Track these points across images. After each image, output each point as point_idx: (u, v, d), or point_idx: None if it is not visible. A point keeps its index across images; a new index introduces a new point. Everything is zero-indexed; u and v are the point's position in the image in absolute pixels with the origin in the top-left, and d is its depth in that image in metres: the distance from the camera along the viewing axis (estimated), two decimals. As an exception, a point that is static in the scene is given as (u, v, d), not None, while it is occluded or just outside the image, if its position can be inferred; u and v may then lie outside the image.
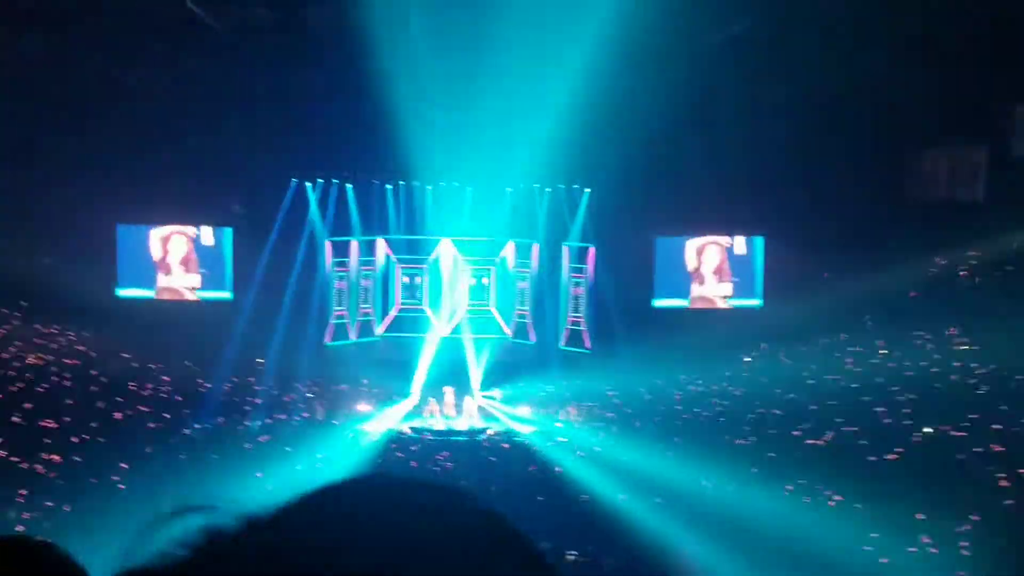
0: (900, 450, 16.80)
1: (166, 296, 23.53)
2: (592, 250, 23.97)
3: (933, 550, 13.27)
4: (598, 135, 21.26)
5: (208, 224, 23.45)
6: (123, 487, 15.85)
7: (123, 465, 16.27)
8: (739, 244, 24.06)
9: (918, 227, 21.04)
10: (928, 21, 17.46)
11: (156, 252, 23.45)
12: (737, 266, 24.10)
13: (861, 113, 20.37)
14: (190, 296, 23.60)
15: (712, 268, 24.16)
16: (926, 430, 17.44)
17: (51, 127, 19.62)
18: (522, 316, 24.82)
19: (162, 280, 23.49)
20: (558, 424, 21.52)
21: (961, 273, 21.54)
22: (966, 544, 13.39)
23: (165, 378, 20.66)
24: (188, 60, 18.18)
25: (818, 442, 17.89)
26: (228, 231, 23.51)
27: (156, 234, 23.43)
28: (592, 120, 20.59)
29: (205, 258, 23.60)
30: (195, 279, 23.58)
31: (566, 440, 20.10)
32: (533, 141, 21.48)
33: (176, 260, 23.55)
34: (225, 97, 19.51)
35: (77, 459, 16.20)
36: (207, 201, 22.90)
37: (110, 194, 21.37)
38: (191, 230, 23.52)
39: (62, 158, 20.00)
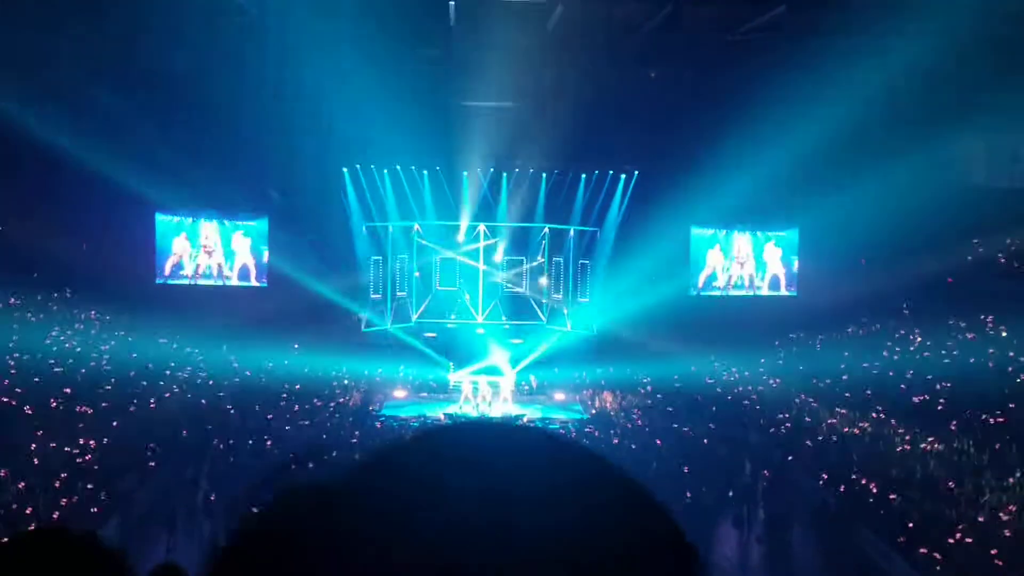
0: (931, 439, 16.66)
1: (203, 283, 23.78)
2: (628, 237, 23.92)
3: (968, 540, 13.14)
4: (640, 124, 21.27)
5: (245, 213, 23.68)
6: (158, 472, 16.01)
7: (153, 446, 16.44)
8: (775, 232, 24.04)
9: (956, 213, 20.78)
10: (966, 7, 17.24)
11: (194, 240, 23.72)
12: (772, 255, 24.06)
13: (900, 99, 20.18)
14: (227, 283, 23.85)
15: (745, 259, 24.14)
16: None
17: (94, 118, 19.76)
18: (558, 303, 24.83)
19: (200, 267, 23.76)
20: (592, 411, 21.46)
21: (1000, 259, 21.33)
22: (1005, 533, 13.25)
23: (202, 362, 20.86)
24: (229, 52, 18.23)
25: (854, 430, 17.76)
26: (264, 220, 23.73)
27: (194, 223, 23.73)
28: (634, 110, 20.60)
29: (241, 246, 23.84)
30: (231, 266, 23.82)
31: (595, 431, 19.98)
32: (572, 128, 21.48)
33: (213, 248, 23.78)
34: (264, 87, 19.59)
35: (111, 443, 16.32)
36: (245, 190, 23.05)
37: (150, 183, 21.54)
38: (228, 219, 23.77)
39: (104, 148, 20.12)
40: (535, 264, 24.88)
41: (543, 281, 24.92)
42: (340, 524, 0.74)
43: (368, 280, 24.25)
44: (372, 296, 24.31)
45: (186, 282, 23.74)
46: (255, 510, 0.80)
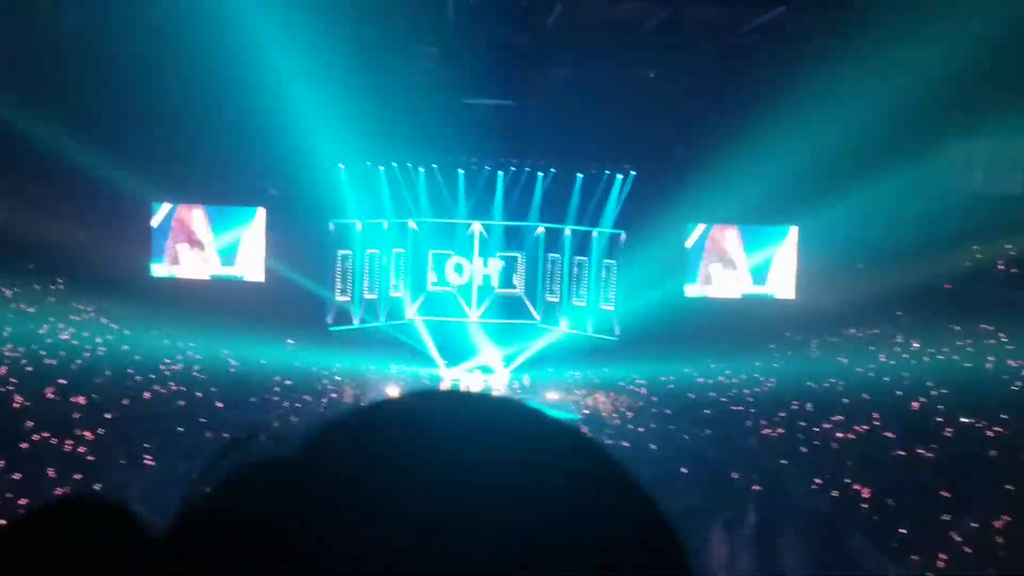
0: (933, 446, 16.67)
1: (197, 276, 23.69)
2: (623, 236, 23.89)
3: (966, 548, 13.15)
4: (634, 120, 21.22)
5: (242, 204, 23.59)
6: (152, 464, 15.95)
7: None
8: (773, 233, 23.99)
9: (954, 219, 20.79)
10: (969, 13, 17.20)
11: (189, 231, 23.62)
12: (768, 256, 24.00)
13: (900, 103, 20.13)
14: (221, 276, 23.77)
15: (742, 258, 24.09)
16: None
17: (89, 104, 19.67)
18: (551, 302, 24.81)
19: (195, 259, 23.67)
20: (584, 411, 21.41)
21: (998, 266, 21.33)
22: (999, 542, 13.26)
23: (196, 356, 20.81)
24: (226, 39, 18.12)
25: (849, 435, 17.76)
26: (261, 211, 23.63)
27: (189, 212, 23.62)
28: (630, 105, 20.55)
29: (237, 238, 23.75)
30: (227, 259, 23.75)
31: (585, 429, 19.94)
32: (570, 126, 21.44)
33: (208, 240, 23.69)
34: (261, 78, 19.49)
35: (108, 435, 16.32)
36: (242, 180, 22.97)
37: (146, 172, 21.46)
38: (223, 209, 23.68)
39: (98, 135, 20.05)
40: (532, 261, 24.87)
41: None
42: (292, 507, 0.69)
43: (363, 276, 24.19)
44: (367, 295, 24.27)
45: (181, 275, 23.65)
46: (198, 492, 0.77)
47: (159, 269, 23.50)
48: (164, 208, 23.50)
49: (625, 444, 18.00)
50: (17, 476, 14.14)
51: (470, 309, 24.62)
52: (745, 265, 24.02)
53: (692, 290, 24.13)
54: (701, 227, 24.00)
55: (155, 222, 23.49)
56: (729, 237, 24.13)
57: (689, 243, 24.10)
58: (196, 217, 23.74)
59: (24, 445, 15.18)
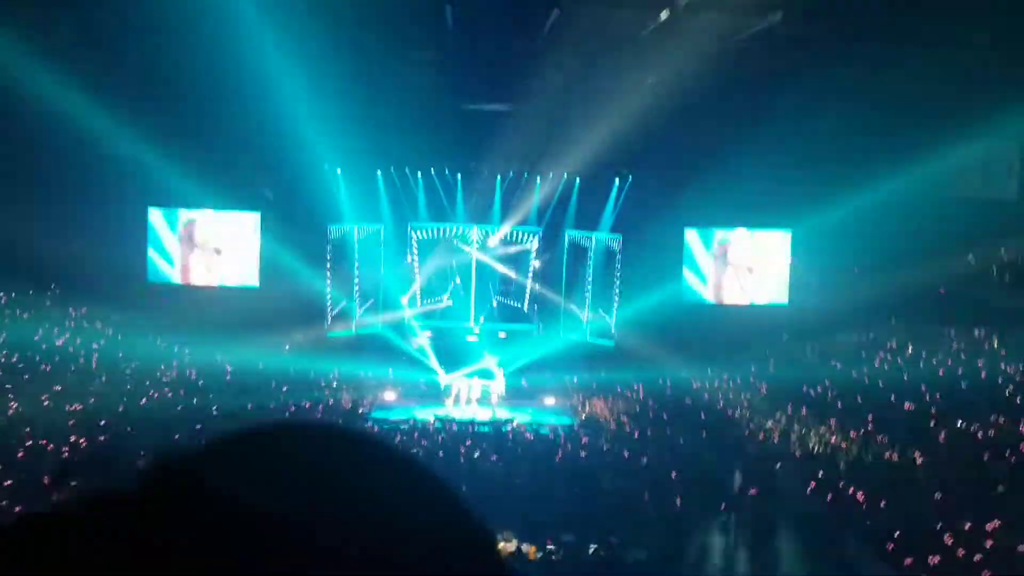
0: (920, 449, 16.69)
1: (193, 282, 23.72)
2: (621, 241, 23.93)
3: (960, 552, 13.14)
4: (632, 125, 21.28)
5: (238, 209, 23.62)
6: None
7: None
8: (767, 238, 24.01)
9: (948, 224, 20.80)
10: (962, 20, 17.25)
11: (184, 237, 23.66)
12: (764, 261, 24.04)
13: (895, 108, 20.20)
14: (217, 282, 23.78)
15: (739, 262, 24.11)
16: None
17: (86, 112, 19.70)
18: (549, 307, 24.83)
19: (190, 265, 23.72)
20: (582, 416, 21.42)
21: (992, 271, 21.36)
22: (990, 544, 13.25)
23: (192, 361, 20.82)
24: (226, 43, 18.17)
25: (844, 442, 17.77)
26: (256, 216, 23.65)
27: (185, 218, 23.65)
28: (631, 114, 20.61)
29: (233, 243, 23.78)
30: (223, 264, 23.79)
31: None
32: (567, 130, 21.51)
33: (204, 245, 23.72)
34: (259, 84, 19.54)
35: (102, 442, 16.29)
36: (238, 185, 22.99)
37: (142, 177, 21.48)
38: (220, 214, 23.70)
39: (95, 142, 20.07)
40: (529, 266, 24.89)
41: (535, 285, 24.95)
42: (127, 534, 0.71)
43: (359, 281, 24.22)
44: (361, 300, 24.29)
45: (176, 281, 23.69)
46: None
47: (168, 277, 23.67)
48: (179, 215, 23.69)
49: (625, 453, 18.02)
50: (8, 482, 14.11)
51: (468, 314, 24.64)
52: (757, 272, 24.07)
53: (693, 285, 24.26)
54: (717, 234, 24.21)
55: (168, 230, 23.67)
56: (741, 243, 24.17)
57: (697, 249, 24.23)
58: (209, 225, 23.82)
59: (20, 454, 15.17)
